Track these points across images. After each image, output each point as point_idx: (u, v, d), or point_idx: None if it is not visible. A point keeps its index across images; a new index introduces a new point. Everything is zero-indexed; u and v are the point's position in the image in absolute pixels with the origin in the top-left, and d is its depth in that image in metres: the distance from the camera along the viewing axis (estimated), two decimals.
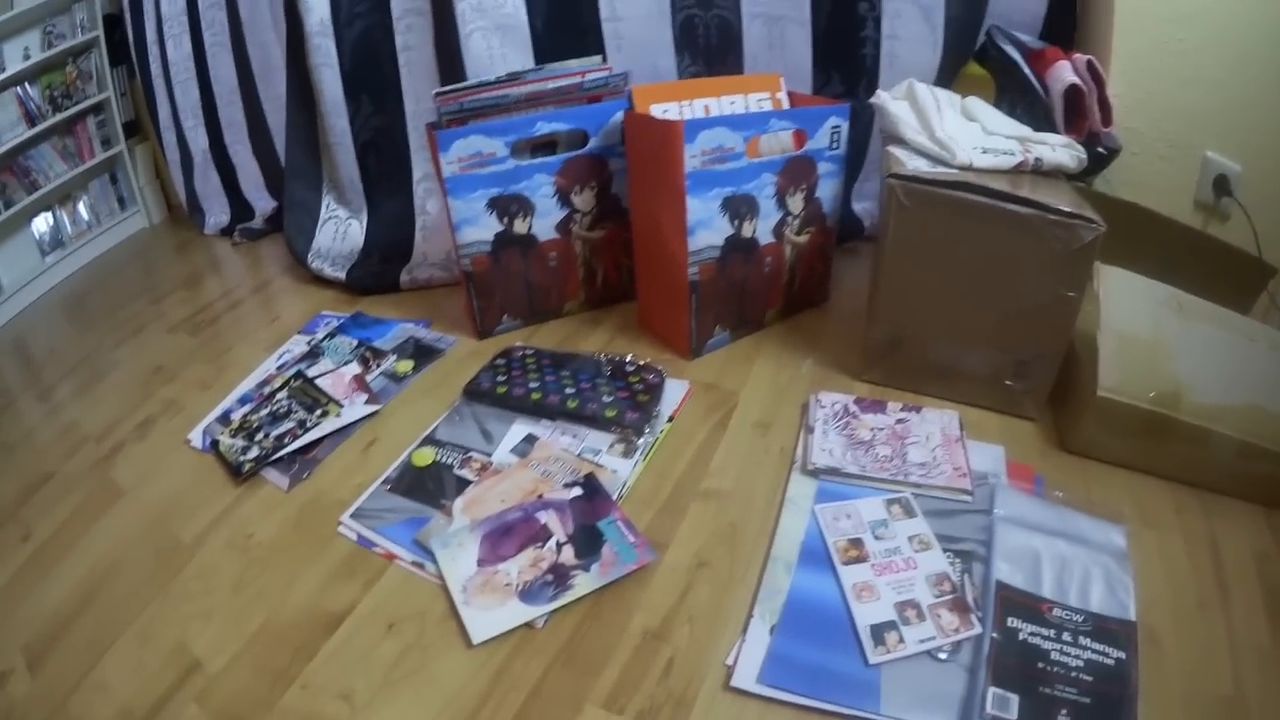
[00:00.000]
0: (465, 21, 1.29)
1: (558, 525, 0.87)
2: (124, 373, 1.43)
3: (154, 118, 2.04)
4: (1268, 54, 1.10)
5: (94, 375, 1.45)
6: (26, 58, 1.99)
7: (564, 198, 1.21)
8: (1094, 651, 0.68)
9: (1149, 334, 0.92)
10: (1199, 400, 0.85)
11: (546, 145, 1.20)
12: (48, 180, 2.01)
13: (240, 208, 2.00)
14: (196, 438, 1.15)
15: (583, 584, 0.80)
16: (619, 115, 1.17)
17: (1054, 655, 0.67)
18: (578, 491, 0.92)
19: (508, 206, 1.18)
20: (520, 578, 0.81)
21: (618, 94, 1.20)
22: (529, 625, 0.77)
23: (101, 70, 2.10)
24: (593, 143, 1.19)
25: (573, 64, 1.20)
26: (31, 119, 1.99)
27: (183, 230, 2.12)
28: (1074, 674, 0.66)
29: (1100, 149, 1.22)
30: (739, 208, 1.08)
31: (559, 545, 0.85)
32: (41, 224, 2.03)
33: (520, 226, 1.20)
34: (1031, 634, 0.69)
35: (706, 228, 1.06)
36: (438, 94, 1.13)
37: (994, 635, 0.69)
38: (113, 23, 2.10)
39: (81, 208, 2.11)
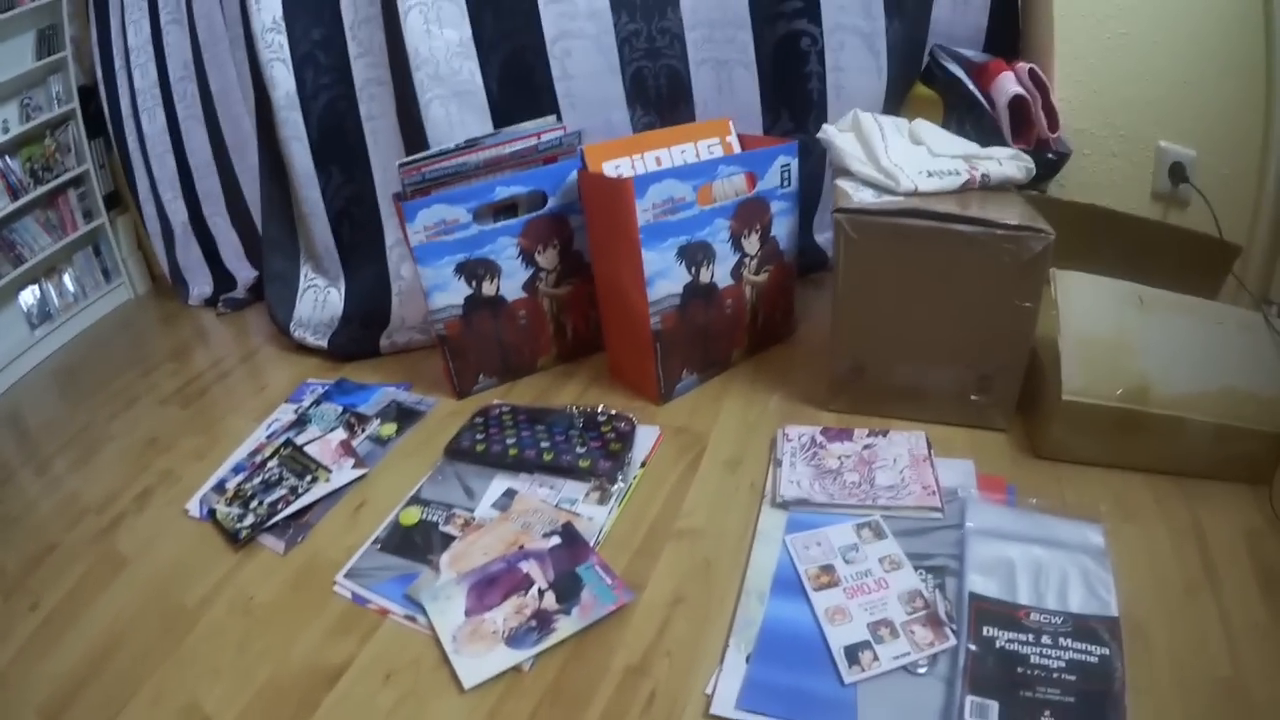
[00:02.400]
0: (424, 90, 1.34)
1: (539, 573, 0.92)
2: (120, 445, 1.47)
3: (133, 190, 2.08)
4: (1209, 36, 1.13)
5: (90, 448, 1.49)
6: (5, 130, 2.02)
7: (528, 258, 1.25)
8: (1075, 651, 0.69)
9: (1111, 333, 0.93)
10: (1168, 391, 0.88)
11: (508, 208, 1.24)
12: (33, 253, 2.04)
13: (222, 277, 2.04)
14: (194, 507, 1.20)
15: (565, 627, 0.85)
16: (574, 174, 1.21)
17: (1034, 659, 0.69)
18: (556, 540, 0.96)
19: (475, 270, 1.22)
20: (506, 625, 0.86)
21: (571, 153, 1.25)
22: (516, 669, 0.81)
23: (79, 142, 2.14)
24: (552, 202, 1.23)
25: (528, 125, 1.25)
26: (14, 192, 2.03)
27: (167, 301, 2.16)
28: (1056, 675, 0.68)
29: (1050, 154, 1.25)
30: (695, 255, 1.12)
31: (540, 592, 0.89)
32: (29, 297, 2.06)
33: (488, 288, 1.24)
34: (1009, 640, 0.71)
35: (664, 277, 1.10)
36: (401, 165, 1.17)
37: (970, 646, 0.71)
38: (88, 94, 2.13)
39: (67, 280, 2.14)
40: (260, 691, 0.85)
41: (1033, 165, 1.05)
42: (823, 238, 1.55)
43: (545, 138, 1.23)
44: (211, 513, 1.16)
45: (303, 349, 1.62)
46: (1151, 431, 0.88)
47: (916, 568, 0.82)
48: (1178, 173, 1.20)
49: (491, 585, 0.92)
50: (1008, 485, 0.92)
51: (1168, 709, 0.67)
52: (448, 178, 1.18)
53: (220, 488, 1.22)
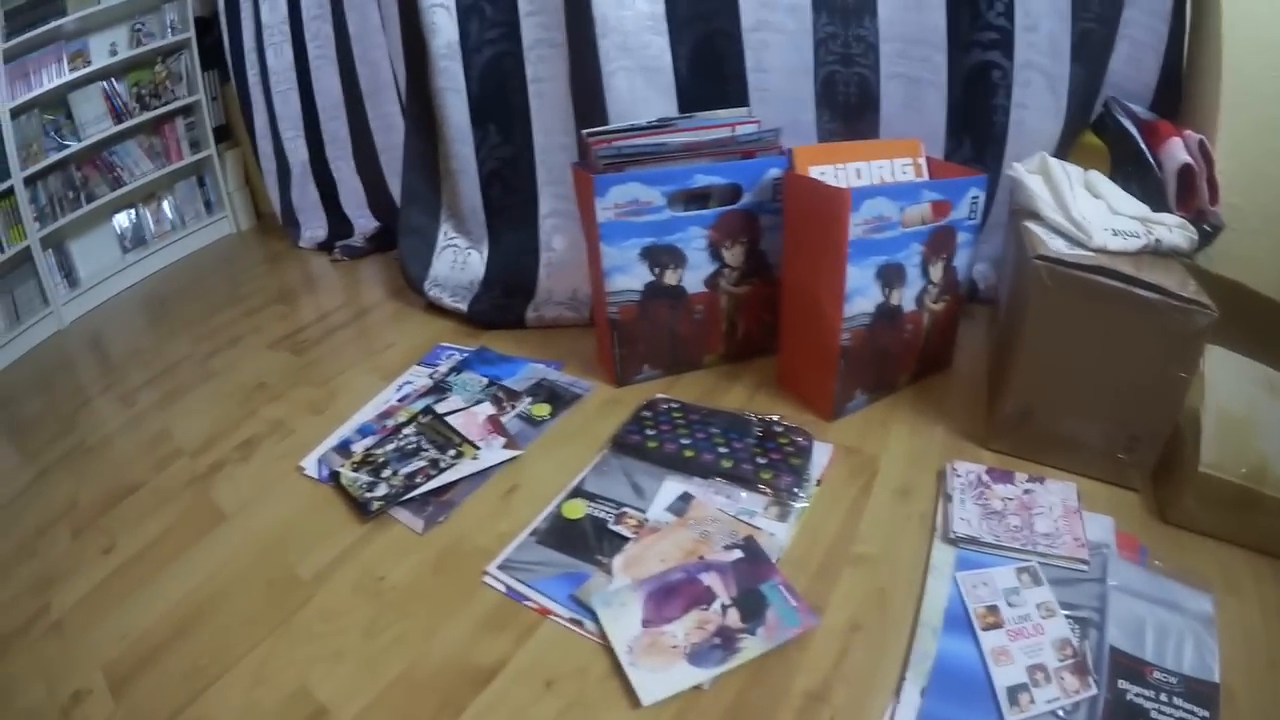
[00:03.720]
0: (609, 59, 1.29)
1: (721, 588, 0.86)
2: (220, 385, 1.40)
3: (249, 125, 2.04)
4: None
5: (185, 384, 1.43)
6: (113, 54, 1.98)
7: (715, 252, 1.20)
8: (1184, 711, 0.72)
9: (1243, 411, 0.96)
10: None
11: (698, 197, 1.19)
12: (132, 177, 2.01)
13: (339, 223, 1.99)
14: (311, 466, 1.13)
15: (750, 647, 0.79)
16: (774, 172, 1.16)
17: (1153, 714, 0.72)
18: (738, 554, 0.90)
19: (660, 257, 1.17)
20: (688, 639, 0.80)
21: (771, 149, 1.19)
22: (696, 687, 0.76)
23: (192, 73, 2.11)
24: (746, 198, 1.18)
25: (721, 114, 1.20)
26: (118, 115, 1.99)
27: (273, 240, 2.11)
28: None
29: (1206, 226, 1.22)
30: (891, 276, 1.07)
31: (724, 608, 0.84)
32: (124, 220, 2.03)
33: (671, 278, 1.19)
34: (1136, 694, 0.74)
35: (861, 295, 1.06)
36: (589, 134, 1.12)
37: (1106, 696, 0.74)
38: (205, 25, 2.09)
39: (166, 207, 2.10)
40: (392, 685, 0.78)
41: (1197, 236, 1.04)
42: (975, 270, 1.50)
43: (742, 130, 1.17)
44: (334, 476, 1.09)
45: (430, 309, 1.57)
46: (1262, 511, 0.88)
47: (1065, 616, 0.83)
48: None
49: (671, 595, 0.85)
50: (1140, 546, 0.92)
51: None
52: (643, 156, 1.12)
53: (344, 449, 1.15)
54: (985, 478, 1.02)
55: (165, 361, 1.53)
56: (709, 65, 1.32)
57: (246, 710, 0.76)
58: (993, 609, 0.84)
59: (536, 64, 1.40)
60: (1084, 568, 0.88)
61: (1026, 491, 1.00)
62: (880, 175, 1.16)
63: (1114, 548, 0.91)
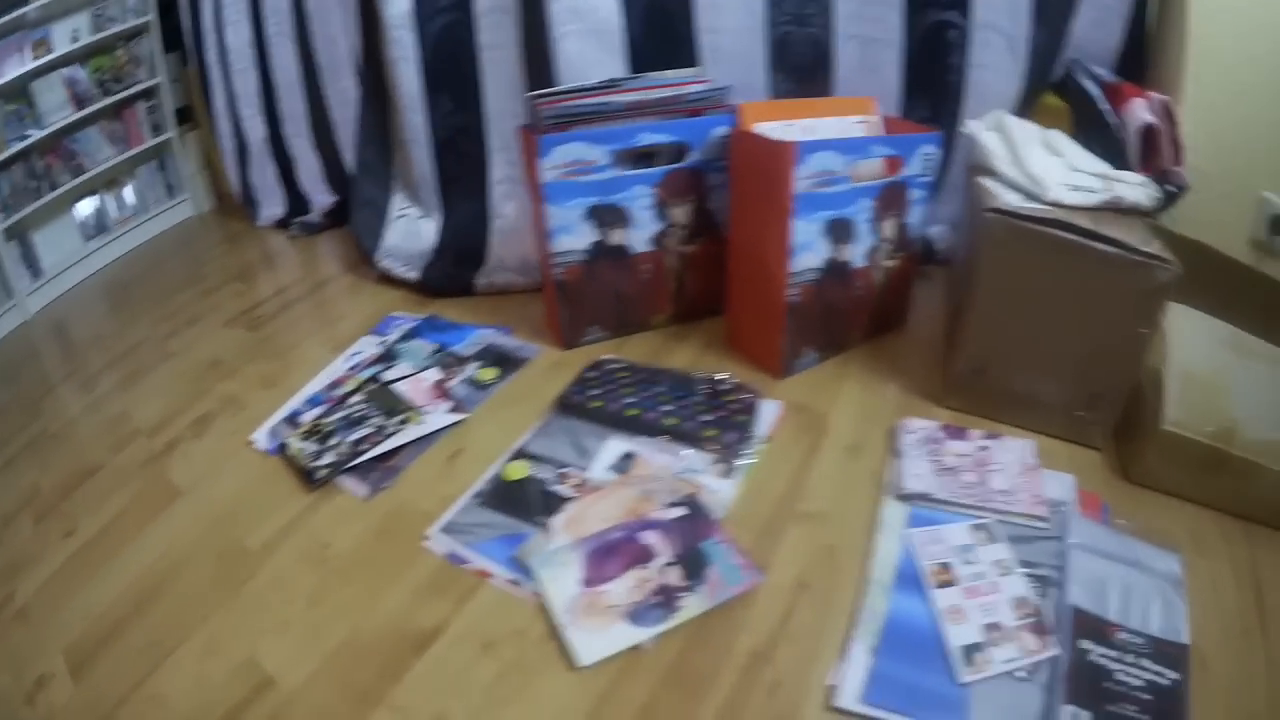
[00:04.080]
0: (559, 23, 1.27)
1: (662, 546, 0.85)
2: (177, 365, 1.39)
3: (208, 105, 2.01)
4: None
5: (143, 366, 1.41)
6: (75, 40, 1.95)
7: (662, 210, 1.18)
8: (1153, 672, 0.71)
9: (1208, 370, 0.96)
10: (1250, 436, 0.88)
11: (643, 156, 1.17)
12: (94, 164, 1.98)
13: (296, 200, 1.97)
14: (262, 439, 1.12)
15: (690, 606, 0.78)
16: (722, 130, 1.15)
17: (1118, 675, 0.71)
18: (681, 512, 0.89)
19: (606, 216, 1.15)
20: (627, 599, 0.79)
21: (719, 108, 1.18)
22: (635, 647, 0.75)
23: (154, 56, 2.08)
24: (693, 156, 1.17)
25: (670, 74, 1.18)
26: (80, 101, 1.96)
27: (233, 221, 2.09)
28: (1135, 693, 0.69)
29: (1169, 187, 1.21)
30: (840, 231, 1.06)
31: (665, 566, 0.83)
32: (86, 207, 1.99)
33: (616, 237, 1.18)
34: (1100, 655, 0.73)
35: (808, 250, 1.05)
36: (535, 96, 1.10)
37: (1068, 656, 0.73)
38: (166, 6, 2.07)
39: (128, 193, 2.07)
40: (335, 652, 0.78)
41: (1160, 195, 1.03)
42: (933, 230, 1.49)
43: (691, 88, 1.16)
44: (282, 447, 1.08)
45: (385, 280, 1.56)
46: (1230, 472, 0.89)
47: (1024, 574, 0.82)
48: (1277, 225, 1.19)
49: (611, 554, 0.85)
50: (1103, 504, 0.91)
51: None
52: (588, 116, 1.11)
53: (293, 420, 1.14)
54: (939, 434, 1.02)
55: (126, 345, 1.52)
56: (660, 26, 1.30)
57: (198, 683, 0.76)
58: (946, 566, 0.83)
59: (488, 30, 1.38)
60: (1043, 525, 0.87)
61: (982, 448, 0.99)
62: (831, 132, 1.14)
63: (1075, 505, 0.90)
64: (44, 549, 0.96)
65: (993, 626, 0.76)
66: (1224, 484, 0.89)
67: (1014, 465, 0.96)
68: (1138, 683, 0.70)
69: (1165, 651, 0.73)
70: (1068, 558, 0.83)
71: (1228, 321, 1.04)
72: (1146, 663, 0.72)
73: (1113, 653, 0.73)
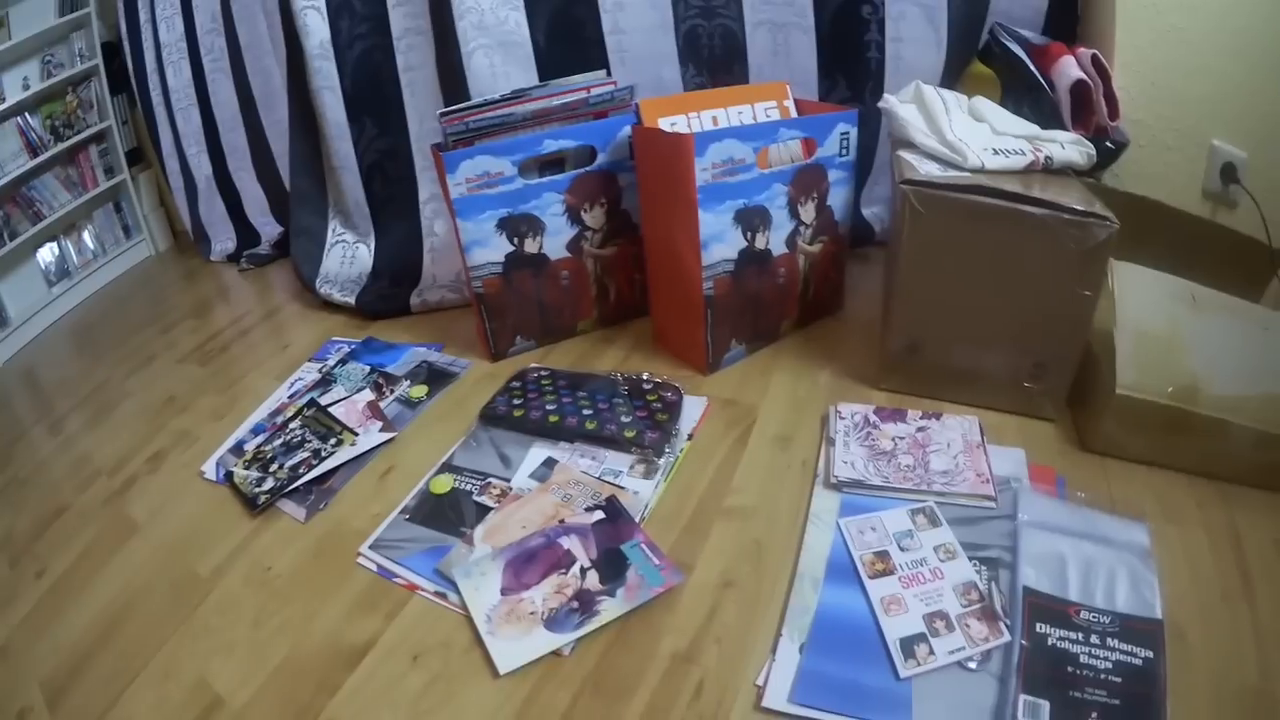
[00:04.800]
0: (467, 39, 1.28)
1: (581, 550, 0.86)
2: (135, 404, 1.42)
3: (156, 145, 2.04)
4: (1269, 40, 1.09)
5: (105, 406, 1.44)
6: (26, 88, 1.98)
7: (574, 215, 1.19)
8: (1122, 652, 0.67)
9: (1164, 328, 0.91)
10: (1216, 393, 0.85)
11: (554, 163, 1.18)
12: (52, 210, 2.01)
13: (246, 233, 1.99)
14: (210, 469, 1.14)
15: (609, 610, 0.78)
16: (627, 130, 1.15)
17: (1083, 659, 0.67)
18: (599, 515, 0.90)
19: (518, 226, 1.16)
20: (545, 605, 0.80)
21: (624, 108, 1.18)
22: (556, 653, 0.75)
23: (102, 99, 2.11)
24: (601, 158, 1.17)
25: (577, 79, 1.19)
26: (34, 149, 1.99)
27: (189, 257, 2.12)
28: (1103, 676, 0.66)
29: (1108, 143, 1.21)
30: (751, 220, 1.06)
31: (583, 571, 0.83)
32: (47, 254, 2.03)
33: (531, 246, 1.19)
34: (1060, 638, 0.69)
35: (720, 241, 1.05)
36: (442, 114, 1.11)
37: (1023, 642, 0.69)
38: (111, 51, 2.09)
39: (86, 237, 2.11)
40: (277, 671, 0.79)
41: (1094, 152, 1.01)
42: (869, 212, 1.50)
43: (596, 91, 1.17)
44: (229, 475, 1.10)
45: (328, 306, 1.57)
46: (1196, 433, 0.85)
47: (970, 558, 0.79)
48: (1229, 173, 1.17)
49: (530, 562, 0.85)
50: (1057, 477, 0.88)
51: (1203, 716, 0.64)
52: (493, 128, 1.12)
53: (239, 449, 1.16)
54: (873, 418, 1.00)
55: (89, 386, 1.55)
56: (567, 33, 1.31)
57: (157, 705, 0.78)
58: (882, 555, 0.80)
59: (406, 53, 1.40)
60: (990, 505, 0.84)
61: (920, 429, 0.97)
62: (741, 120, 1.14)
63: (1026, 481, 0.87)
64: (18, 589, 0.99)
65: (936, 615, 0.73)
66: (1190, 444, 0.86)
67: (956, 444, 0.93)
68: (1105, 665, 0.66)
69: (1135, 628, 0.69)
70: (1019, 537, 0.79)
71: (1185, 277, 0.98)
72: (1114, 642, 0.68)
73: (1075, 635, 0.69)
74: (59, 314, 1.98)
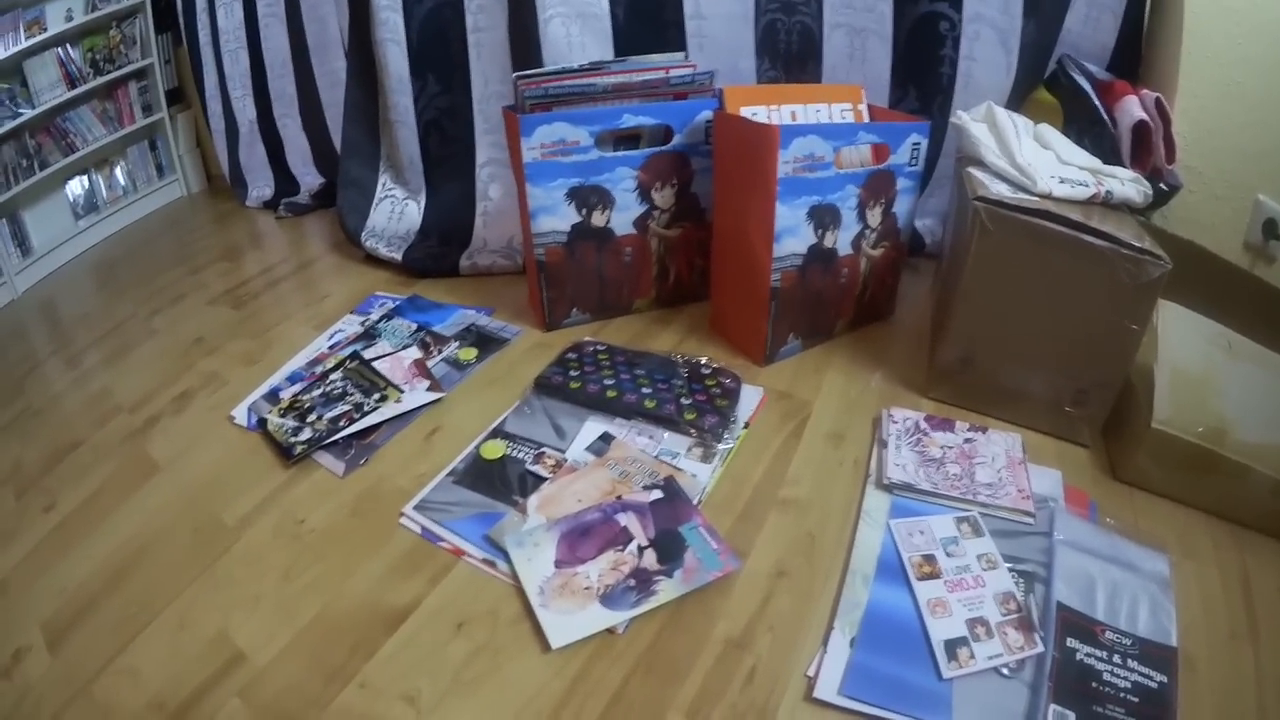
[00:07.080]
0: (545, 6, 1.27)
1: (639, 528, 0.84)
2: (160, 342, 1.39)
3: (199, 86, 2.01)
4: None
5: (127, 343, 1.41)
6: (69, 19, 1.95)
7: (645, 193, 1.18)
8: (1140, 674, 0.69)
9: (1200, 370, 0.93)
10: (1241, 438, 0.86)
11: (628, 139, 1.17)
12: (85, 143, 1.98)
13: (285, 181, 1.97)
14: (241, 415, 1.11)
15: (666, 590, 0.77)
16: (706, 114, 1.14)
17: (1105, 675, 0.69)
18: (658, 494, 0.88)
19: (588, 197, 1.15)
20: (601, 581, 0.78)
21: (704, 92, 1.17)
22: (610, 631, 0.74)
23: (146, 36, 2.07)
24: (677, 139, 1.16)
25: (656, 58, 1.17)
26: (72, 81, 1.96)
27: (222, 201, 2.09)
28: (1122, 695, 0.67)
29: (1162, 185, 1.21)
30: (824, 217, 1.05)
31: (640, 549, 0.82)
32: (76, 187, 2.00)
33: (599, 219, 1.17)
34: (1087, 654, 0.71)
35: (792, 235, 1.04)
36: (519, 77, 1.10)
37: (1054, 654, 0.71)
38: None
39: (119, 173, 2.08)
40: (307, 629, 0.77)
41: (1151, 191, 1.02)
42: (921, 224, 1.49)
43: (675, 73, 1.15)
44: (262, 423, 1.07)
45: (371, 260, 1.55)
46: (1219, 474, 0.87)
47: (1009, 570, 0.80)
48: (1270, 229, 1.17)
49: (586, 536, 0.84)
50: (1090, 501, 0.90)
51: None
52: (572, 97, 1.10)
53: (273, 396, 1.13)
54: (923, 425, 1.00)
55: (111, 323, 1.51)
56: (647, 11, 1.30)
57: (170, 656, 0.75)
58: (929, 558, 0.81)
59: (476, 14, 1.38)
60: (1029, 520, 0.85)
61: (967, 441, 0.98)
62: (817, 119, 1.13)
63: (1061, 502, 0.88)
64: (23, 524, 0.96)
65: (977, 621, 0.74)
66: (1213, 485, 0.87)
67: (1000, 459, 0.94)
68: (1125, 684, 0.68)
69: (1153, 653, 0.71)
70: (1054, 554, 0.81)
71: (1219, 323, 1.01)
72: (1134, 664, 0.70)
73: (1100, 653, 0.71)
74: (84, 248, 1.95)
